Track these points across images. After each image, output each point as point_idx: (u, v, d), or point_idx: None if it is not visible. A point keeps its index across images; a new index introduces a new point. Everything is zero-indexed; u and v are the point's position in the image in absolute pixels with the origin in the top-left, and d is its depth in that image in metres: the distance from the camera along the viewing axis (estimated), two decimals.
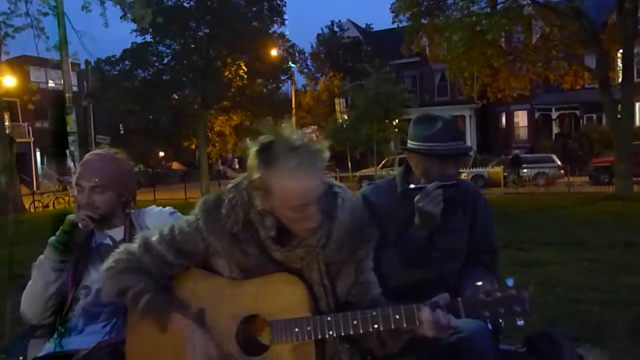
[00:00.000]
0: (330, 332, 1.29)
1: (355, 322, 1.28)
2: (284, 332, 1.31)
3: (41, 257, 1.72)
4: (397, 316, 1.27)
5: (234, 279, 1.39)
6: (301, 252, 1.34)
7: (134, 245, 1.44)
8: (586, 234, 7.31)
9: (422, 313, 1.25)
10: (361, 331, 1.28)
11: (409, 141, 1.80)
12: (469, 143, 27.09)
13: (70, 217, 1.73)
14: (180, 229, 1.41)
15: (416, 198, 1.65)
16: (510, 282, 1.26)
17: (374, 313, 1.28)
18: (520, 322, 1.23)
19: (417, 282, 1.73)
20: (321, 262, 1.36)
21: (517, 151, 20.32)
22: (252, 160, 1.26)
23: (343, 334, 1.30)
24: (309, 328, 1.29)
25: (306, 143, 1.25)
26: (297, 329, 1.30)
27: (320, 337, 1.30)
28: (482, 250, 1.87)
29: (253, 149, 1.26)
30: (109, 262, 1.43)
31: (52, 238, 1.72)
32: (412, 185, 1.72)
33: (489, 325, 1.27)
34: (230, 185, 1.41)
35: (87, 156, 1.82)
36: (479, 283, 1.26)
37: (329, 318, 1.30)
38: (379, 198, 1.84)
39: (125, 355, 1.45)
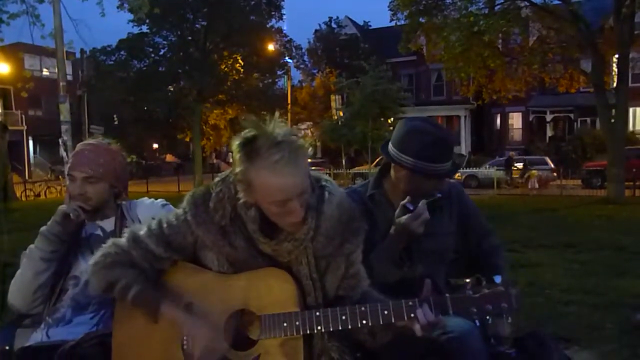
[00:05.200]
0: (319, 327, 1.29)
1: (344, 318, 1.29)
2: (272, 326, 1.31)
3: (31, 246, 1.70)
4: (386, 312, 1.28)
5: (223, 272, 1.39)
6: (289, 246, 1.34)
7: (122, 240, 1.43)
8: (577, 237, 7.36)
9: (414, 310, 1.26)
10: (350, 326, 1.28)
11: (401, 154, 1.69)
12: (463, 143, 27.40)
13: (62, 207, 1.71)
14: (168, 222, 1.41)
15: (404, 217, 1.61)
16: (497, 279, 1.27)
17: (363, 308, 1.29)
18: (509, 321, 1.24)
19: (402, 284, 1.73)
20: (310, 256, 1.37)
21: (512, 152, 20.43)
22: (235, 154, 1.27)
23: (332, 329, 1.30)
24: (297, 323, 1.30)
25: (289, 139, 1.24)
26: (285, 324, 1.30)
27: (308, 332, 1.30)
28: (484, 235, 1.92)
29: (235, 143, 1.26)
30: (96, 256, 1.42)
31: (44, 227, 1.70)
32: (410, 207, 1.65)
33: (477, 322, 1.28)
34: (217, 179, 1.41)
35: (79, 146, 1.80)
36: (467, 280, 1.27)
37: (317, 313, 1.30)
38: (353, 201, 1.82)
39: (112, 347, 1.43)
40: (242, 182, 1.27)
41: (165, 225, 1.41)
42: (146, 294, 1.36)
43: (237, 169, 1.26)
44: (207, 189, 1.40)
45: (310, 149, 1.30)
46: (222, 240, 1.36)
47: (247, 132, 1.25)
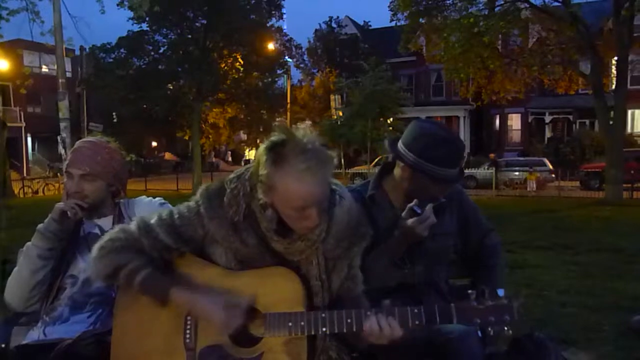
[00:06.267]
0: (324, 329, 1.30)
1: (349, 321, 1.29)
2: (277, 325, 1.31)
3: (29, 243, 1.69)
4: (391, 317, 1.28)
5: (230, 269, 1.39)
6: (301, 246, 1.35)
7: (132, 226, 1.42)
8: (575, 238, 7.38)
9: (369, 319, 1.27)
10: (354, 329, 1.29)
11: (407, 151, 1.68)
12: None
13: (59, 204, 1.70)
14: (180, 213, 1.41)
15: (410, 220, 1.62)
16: (501, 292, 1.29)
17: (368, 313, 1.29)
18: (510, 333, 1.26)
19: (403, 284, 1.73)
20: (320, 257, 1.38)
21: (492, 154, 20.59)
22: (261, 155, 1.26)
23: (337, 331, 1.30)
24: (302, 323, 1.30)
25: (317, 148, 1.25)
26: (290, 323, 1.30)
27: (313, 332, 1.30)
28: (484, 234, 1.93)
29: (263, 146, 1.26)
30: (103, 240, 1.41)
31: (41, 225, 1.69)
32: (417, 210, 1.64)
33: (479, 332, 1.29)
34: (232, 175, 1.41)
35: (78, 143, 1.80)
36: (470, 291, 1.28)
37: (323, 315, 1.30)
38: None
39: (110, 345, 1.43)
40: (265, 184, 1.26)
41: (176, 216, 1.41)
42: (155, 278, 1.35)
43: (262, 172, 1.26)
44: (222, 184, 1.41)
45: (335, 159, 1.31)
46: (232, 236, 1.37)
47: (277, 136, 1.25)
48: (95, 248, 1.41)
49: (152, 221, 1.41)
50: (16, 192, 18.59)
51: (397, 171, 1.78)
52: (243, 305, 1.31)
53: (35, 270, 1.65)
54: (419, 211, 1.63)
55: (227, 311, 1.29)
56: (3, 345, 1.67)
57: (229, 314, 1.29)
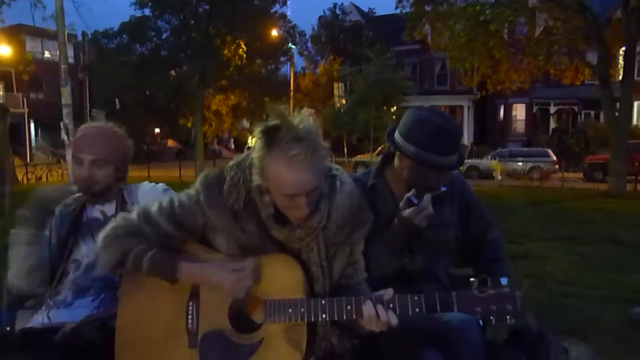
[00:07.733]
0: (324, 316, 1.30)
1: (349, 308, 1.29)
2: (277, 312, 1.32)
3: (13, 230, 1.69)
4: (391, 305, 1.28)
5: (232, 256, 1.39)
6: (301, 233, 1.35)
7: (132, 215, 1.43)
8: (577, 230, 7.37)
9: (365, 306, 1.27)
10: (354, 316, 1.29)
11: (406, 142, 1.67)
12: (465, 134, 27.30)
13: (38, 191, 1.69)
14: (180, 202, 1.41)
15: (407, 210, 1.61)
16: (504, 280, 1.27)
17: (367, 300, 1.29)
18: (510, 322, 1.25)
19: (402, 274, 1.73)
20: (321, 244, 1.38)
21: (465, 144, 20.68)
22: (256, 138, 1.27)
23: (337, 318, 1.31)
24: (302, 310, 1.30)
25: (311, 136, 1.24)
26: (290, 310, 1.31)
27: (312, 319, 1.31)
28: (485, 227, 1.91)
29: (258, 129, 1.26)
30: (106, 230, 1.41)
31: (21, 211, 1.68)
32: (415, 200, 1.63)
33: (480, 321, 1.28)
34: (232, 163, 1.41)
35: (85, 129, 1.77)
36: (472, 279, 1.27)
37: (323, 301, 1.31)
38: None
39: (113, 329, 1.44)
40: (257, 166, 1.28)
41: (177, 204, 1.41)
42: (162, 257, 1.36)
43: (255, 154, 1.27)
44: (221, 172, 1.40)
45: (329, 151, 1.31)
46: (233, 224, 1.37)
47: (271, 121, 1.24)
48: (100, 238, 1.41)
49: (153, 209, 1.41)
50: (19, 178, 18.62)
51: (396, 161, 1.77)
52: (249, 266, 1.32)
53: (25, 256, 1.64)
54: (416, 201, 1.62)
55: (235, 274, 1.31)
56: (8, 329, 1.68)
57: (237, 277, 1.30)
